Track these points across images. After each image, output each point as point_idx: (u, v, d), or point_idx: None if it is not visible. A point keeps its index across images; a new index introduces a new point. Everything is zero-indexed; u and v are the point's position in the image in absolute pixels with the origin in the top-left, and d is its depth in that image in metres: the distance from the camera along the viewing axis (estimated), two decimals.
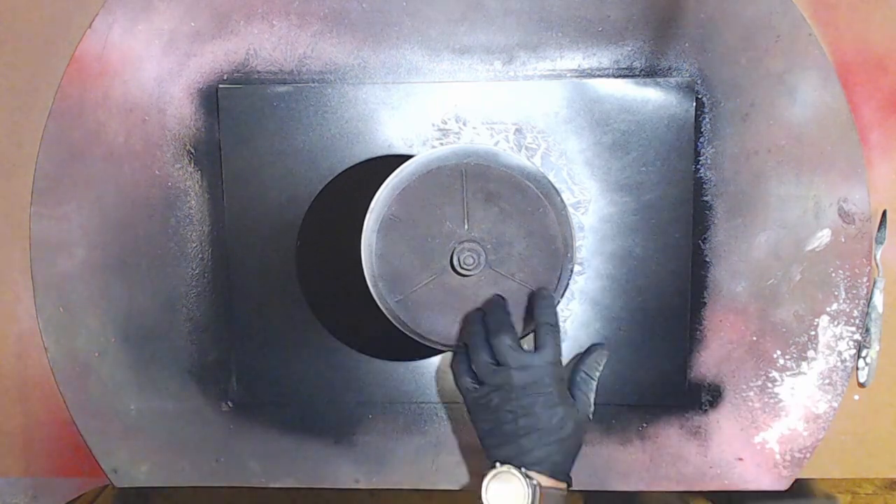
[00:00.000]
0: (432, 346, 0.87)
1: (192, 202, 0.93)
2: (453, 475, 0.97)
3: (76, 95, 0.91)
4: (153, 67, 0.91)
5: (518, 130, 0.91)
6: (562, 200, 0.86)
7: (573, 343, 0.94)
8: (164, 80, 0.91)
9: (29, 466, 1.01)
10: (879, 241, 0.90)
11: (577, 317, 0.94)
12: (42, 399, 0.98)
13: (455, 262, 0.88)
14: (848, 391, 0.94)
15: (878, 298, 0.90)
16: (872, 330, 0.91)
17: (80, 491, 1.05)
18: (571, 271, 0.86)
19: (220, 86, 0.91)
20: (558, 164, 0.92)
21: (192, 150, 0.92)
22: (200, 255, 0.94)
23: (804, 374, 0.93)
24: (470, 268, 0.87)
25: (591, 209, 0.92)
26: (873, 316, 0.91)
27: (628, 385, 0.94)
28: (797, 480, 0.95)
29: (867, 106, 0.90)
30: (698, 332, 0.93)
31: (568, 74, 0.90)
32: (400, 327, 0.87)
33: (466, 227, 0.88)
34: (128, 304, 0.95)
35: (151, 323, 0.95)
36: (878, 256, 0.90)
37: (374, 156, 0.92)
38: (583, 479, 0.96)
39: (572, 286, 0.93)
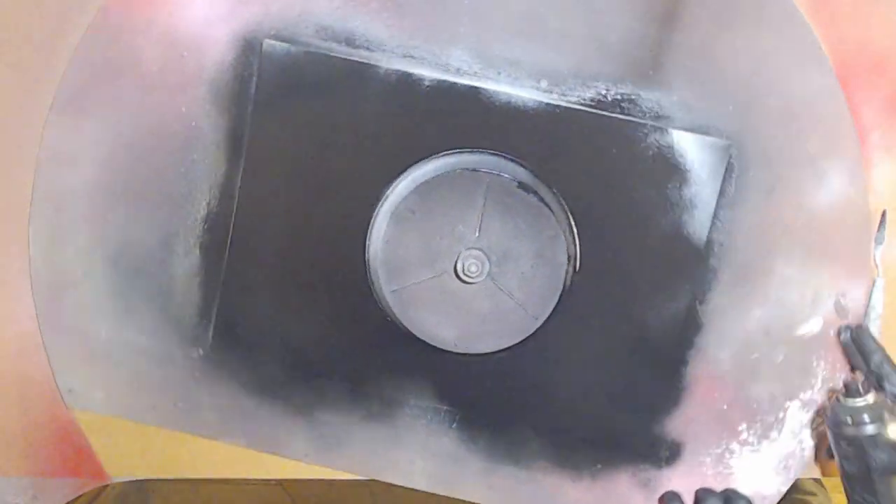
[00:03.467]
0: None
1: (212, 148, 0.91)
2: (403, 471, 0.97)
3: (119, 16, 0.89)
4: (203, 5, 0.89)
5: (548, 152, 0.89)
6: (574, 228, 0.86)
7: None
8: (211, 21, 0.89)
9: (29, 466, 1.00)
10: (879, 242, 0.90)
11: (559, 348, 0.93)
12: (42, 399, 0.98)
13: (459, 267, 0.88)
14: None
15: (876, 298, 0.90)
16: (871, 329, 0.91)
17: (80, 491, 1.04)
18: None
19: (266, 40, 0.88)
20: (579, 193, 0.90)
21: (224, 98, 0.90)
22: (207, 201, 0.93)
23: (763, 452, 0.93)
24: (472, 276, 0.87)
25: (600, 245, 0.91)
26: (872, 316, 0.91)
27: (596, 421, 0.94)
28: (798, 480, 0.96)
29: (867, 106, 0.90)
30: (673, 389, 0.93)
31: (610, 109, 0.89)
32: (390, 317, 0.87)
33: (477, 234, 0.88)
34: (123, 231, 0.93)
35: (144, 255, 0.93)
36: (877, 256, 0.90)
37: (402, 145, 0.90)
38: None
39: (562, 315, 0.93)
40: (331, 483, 1.00)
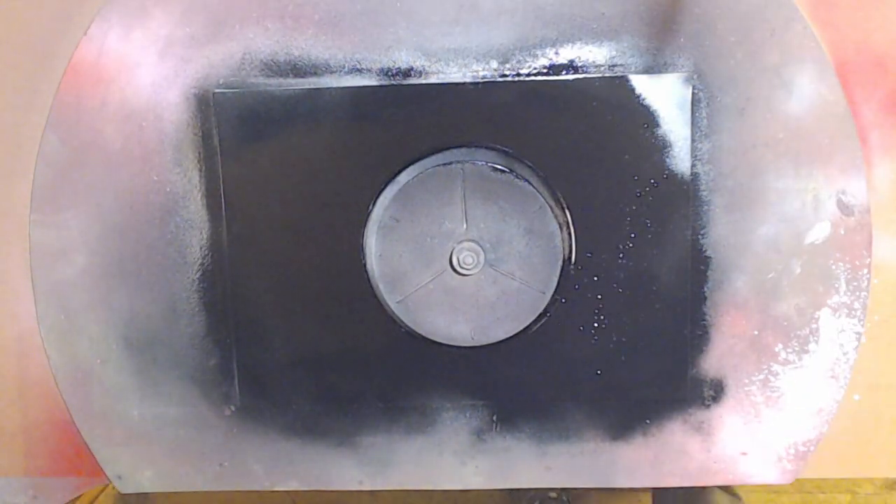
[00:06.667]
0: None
1: (192, 207, 0.93)
2: (456, 475, 0.97)
3: (73, 103, 0.91)
4: (149, 73, 0.90)
5: (515, 128, 0.90)
6: (558, 196, 0.86)
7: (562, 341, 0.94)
8: (160, 86, 0.91)
9: (29, 466, 1.01)
10: None
11: (576, 316, 0.93)
12: (42, 399, 0.98)
13: (454, 262, 0.88)
14: (848, 391, 0.93)
15: None
16: None
17: (80, 491, 1.04)
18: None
19: (216, 91, 0.90)
20: (554, 161, 0.91)
21: (191, 157, 0.92)
22: (200, 260, 0.94)
23: (806, 367, 0.92)
24: (470, 267, 0.87)
25: (588, 206, 0.91)
26: None
27: (631, 381, 0.93)
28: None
29: (867, 106, 0.90)
30: (699, 328, 0.93)
31: (564, 72, 0.90)
32: (403, 327, 0.87)
33: (465, 226, 0.88)
34: (129, 310, 0.94)
35: (153, 329, 0.95)
36: None
37: (370, 157, 0.91)
38: (588, 476, 0.96)
39: (569, 284, 0.93)
40: None
